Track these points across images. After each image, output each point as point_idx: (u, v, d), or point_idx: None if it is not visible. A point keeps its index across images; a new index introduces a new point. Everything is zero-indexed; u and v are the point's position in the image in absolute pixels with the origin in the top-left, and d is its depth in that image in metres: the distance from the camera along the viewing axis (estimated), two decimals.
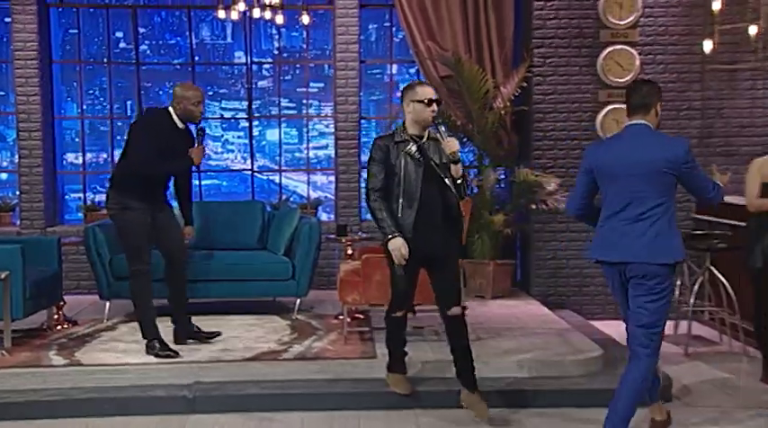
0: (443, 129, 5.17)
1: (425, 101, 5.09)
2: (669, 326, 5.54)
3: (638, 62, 8.37)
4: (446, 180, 5.16)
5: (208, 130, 9.31)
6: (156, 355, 5.98)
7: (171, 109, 6.19)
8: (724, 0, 7.74)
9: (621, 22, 8.37)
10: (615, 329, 6.32)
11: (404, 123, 5.22)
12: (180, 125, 6.21)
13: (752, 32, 7.62)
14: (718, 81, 8.42)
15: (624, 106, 4.73)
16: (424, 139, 5.19)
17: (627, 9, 8.35)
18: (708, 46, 7.80)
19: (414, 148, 5.13)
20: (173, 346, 6.10)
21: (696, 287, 6.97)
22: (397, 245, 4.99)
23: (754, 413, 5.39)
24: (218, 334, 6.52)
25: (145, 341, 6.11)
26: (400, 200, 5.08)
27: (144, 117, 6.28)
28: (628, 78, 8.33)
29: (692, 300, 6.93)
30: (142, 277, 6.12)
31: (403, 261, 5.03)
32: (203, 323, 6.59)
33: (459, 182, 5.17)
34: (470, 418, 5.23)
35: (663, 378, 5.47)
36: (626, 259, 4.46)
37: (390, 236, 5.01)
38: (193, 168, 6.52)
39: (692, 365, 6.47)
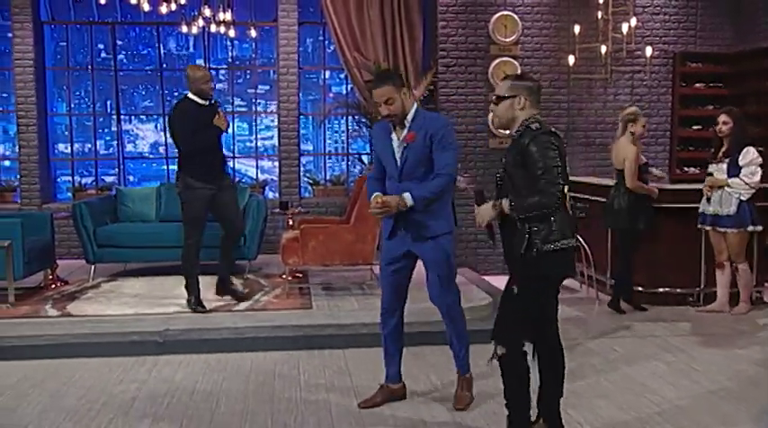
0: None
1: None
2: None
3: (519, 71, 8.45)
4: None
5: None
6: (193, 309, 5.90)
7: (189, 93, 5.84)
8: (582, 26, 7.97)
9: (506, 40, 8.51)
10: (501, 282, 6.04)
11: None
12: (202, 102, 5.84)
13: (602, 51, 7.86)
14: (579, 88, 8.63)
15: None
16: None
17: (510, 30, 8.50)
18: (571, 60, 7.99)
19: None
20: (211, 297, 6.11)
21: None
22: None
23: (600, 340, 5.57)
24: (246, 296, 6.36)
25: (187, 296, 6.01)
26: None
27: (173, 110, 5.93)
28: None
29: None
30: (193, 248, 5.97)
31: None
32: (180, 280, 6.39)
33: None
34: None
35: None
36: None
37: None
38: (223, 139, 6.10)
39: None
